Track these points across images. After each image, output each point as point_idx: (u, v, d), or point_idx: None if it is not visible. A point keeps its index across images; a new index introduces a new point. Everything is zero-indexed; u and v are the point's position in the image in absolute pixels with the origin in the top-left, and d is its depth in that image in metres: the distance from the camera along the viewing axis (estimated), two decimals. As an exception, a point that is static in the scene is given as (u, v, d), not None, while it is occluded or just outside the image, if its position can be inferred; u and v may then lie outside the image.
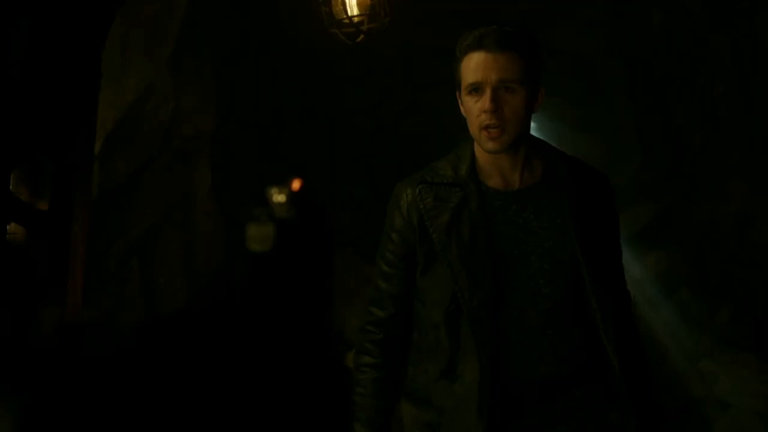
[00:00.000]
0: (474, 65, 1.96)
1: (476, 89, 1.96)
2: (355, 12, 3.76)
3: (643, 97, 6.12)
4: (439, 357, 2.02)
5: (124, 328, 4.36)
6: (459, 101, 2.07)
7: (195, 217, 5.13)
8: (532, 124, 2.13)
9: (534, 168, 2.07)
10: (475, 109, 1.96)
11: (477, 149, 2.07)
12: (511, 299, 1.98)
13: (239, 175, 6.01)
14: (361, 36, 3.81)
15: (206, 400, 4.21)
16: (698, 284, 5.24)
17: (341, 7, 3.77)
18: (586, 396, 2.00)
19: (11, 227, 3.09)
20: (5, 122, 3.00)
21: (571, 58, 6.24)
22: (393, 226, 2.11)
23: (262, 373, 4.33)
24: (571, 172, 2.08)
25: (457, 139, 2.14)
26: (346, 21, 3.78)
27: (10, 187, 3.09)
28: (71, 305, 3.28)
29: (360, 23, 3.77)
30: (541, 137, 2.18)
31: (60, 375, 3.06)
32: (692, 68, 5.74)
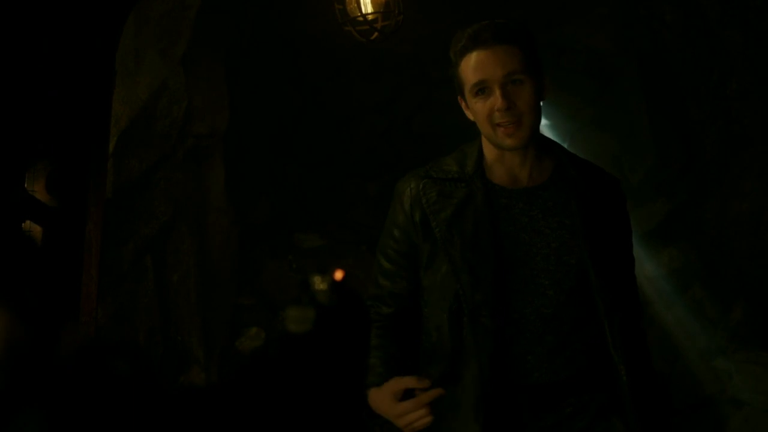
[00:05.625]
0: (474, 65, 1.88)
1: (482, 89, 1.88)
2: (370, 10, 3.75)
3: (657, 95, 6.08)
4: (441, 359, 1.92)
5: (139, 337, 4.34)
6: (463, 106, 1.99)
7: (208, 215, 5.13)
8: (547, 123, 2.09)
9: (543, 167, 1.99)
10: (485, 109, 1.89)
11: (486, 146, 1.99)
12: (511, 300, 1.87)
13: (252, 173, 6.02)
14: (376, 34, 3.81)
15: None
16: (712, 282, 5.20)
17: (355, 5, 3.77)
18: (584, 406, 1.89)
19: (26, 225, 3.09)
20: (19, 120, 3.00)
21: (583, 56, 6.21)
22: (395, 222, 2.03)
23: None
24: (582, 174, 1.99)
25: (471, 137, 2.12)
26: (360, 19, 3.78)
27: (25, 184, 3.09)
28: (86, 303, 3.28)
29: (374, 21, 3.77)
30: (555, 136, 2.14)
31: (79, 387, 3.04)
32: (705, 65, 5.70)
